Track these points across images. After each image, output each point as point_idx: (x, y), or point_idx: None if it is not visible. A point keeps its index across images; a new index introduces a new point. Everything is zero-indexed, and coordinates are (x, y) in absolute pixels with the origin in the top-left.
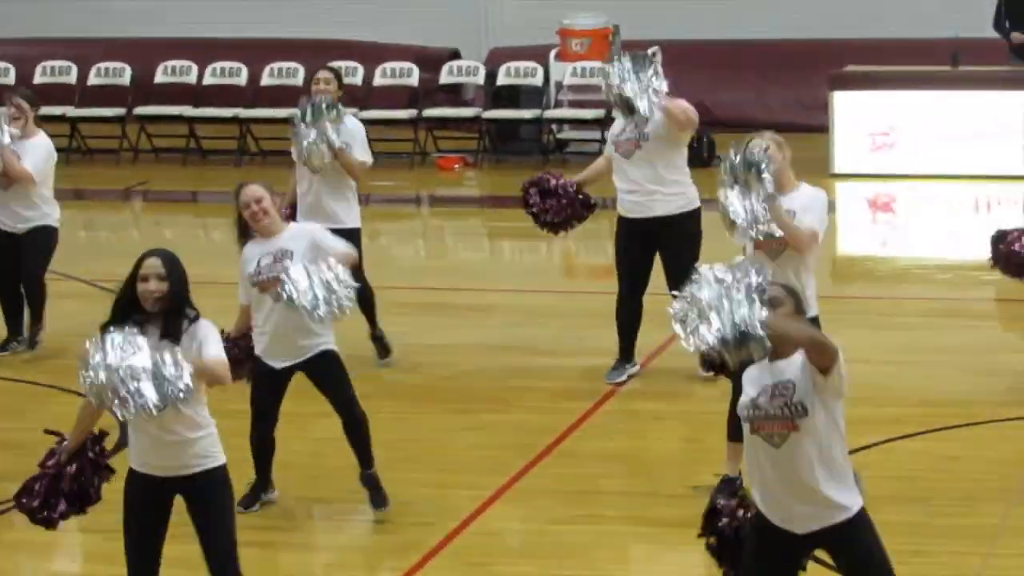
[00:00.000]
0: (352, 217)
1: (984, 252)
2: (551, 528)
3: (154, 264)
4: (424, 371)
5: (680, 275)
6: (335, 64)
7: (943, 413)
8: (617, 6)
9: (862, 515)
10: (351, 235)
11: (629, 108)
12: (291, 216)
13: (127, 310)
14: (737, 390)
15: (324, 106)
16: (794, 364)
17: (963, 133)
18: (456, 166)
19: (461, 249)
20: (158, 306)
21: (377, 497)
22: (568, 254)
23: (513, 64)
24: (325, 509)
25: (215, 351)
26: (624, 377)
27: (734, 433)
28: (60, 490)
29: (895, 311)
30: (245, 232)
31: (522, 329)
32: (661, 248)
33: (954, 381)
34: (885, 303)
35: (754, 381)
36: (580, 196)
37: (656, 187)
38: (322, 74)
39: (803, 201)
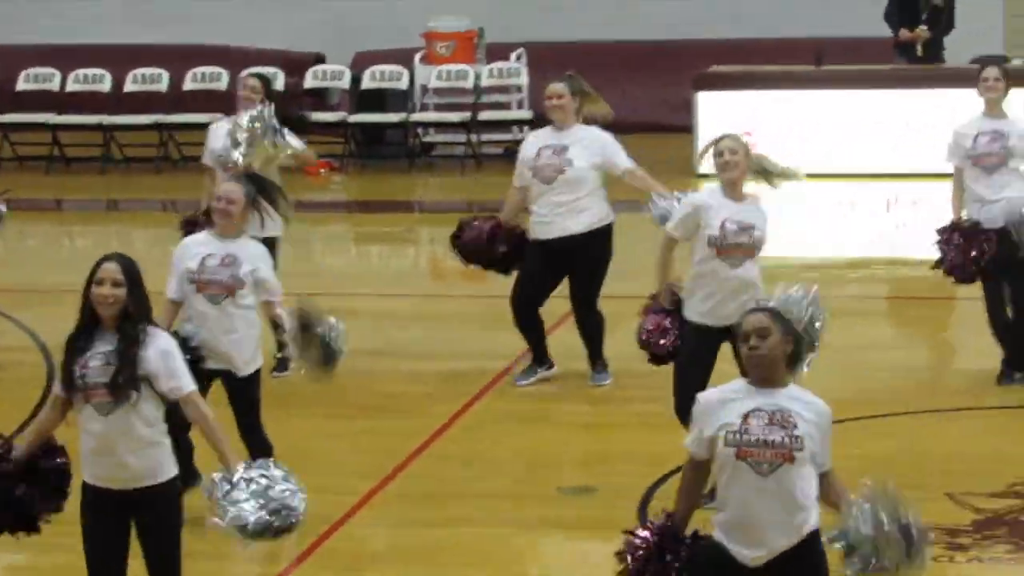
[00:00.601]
0: (274, 225)
1: (847, 249)
2: (420, 532)
3: (110, 269)
4: (293, 376)
5: (592, 290)
6: (258, 72)
7: (838, 409)
8: (481, 9)
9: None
10: (272, 243)
11: None
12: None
13: (91, 316)
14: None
15: (261, 132)
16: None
17: (827, 132)
18: (322, 171)
19: (327, 254)
20: (112, 311)
21: None
22: (434, 258)
23: (378, 68)
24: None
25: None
26: (533, 380)
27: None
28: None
29: None
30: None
31: (390, 333)
32: (574, 265)
33: (822, 379)
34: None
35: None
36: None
37: (573, 206)
38: (249, 81)
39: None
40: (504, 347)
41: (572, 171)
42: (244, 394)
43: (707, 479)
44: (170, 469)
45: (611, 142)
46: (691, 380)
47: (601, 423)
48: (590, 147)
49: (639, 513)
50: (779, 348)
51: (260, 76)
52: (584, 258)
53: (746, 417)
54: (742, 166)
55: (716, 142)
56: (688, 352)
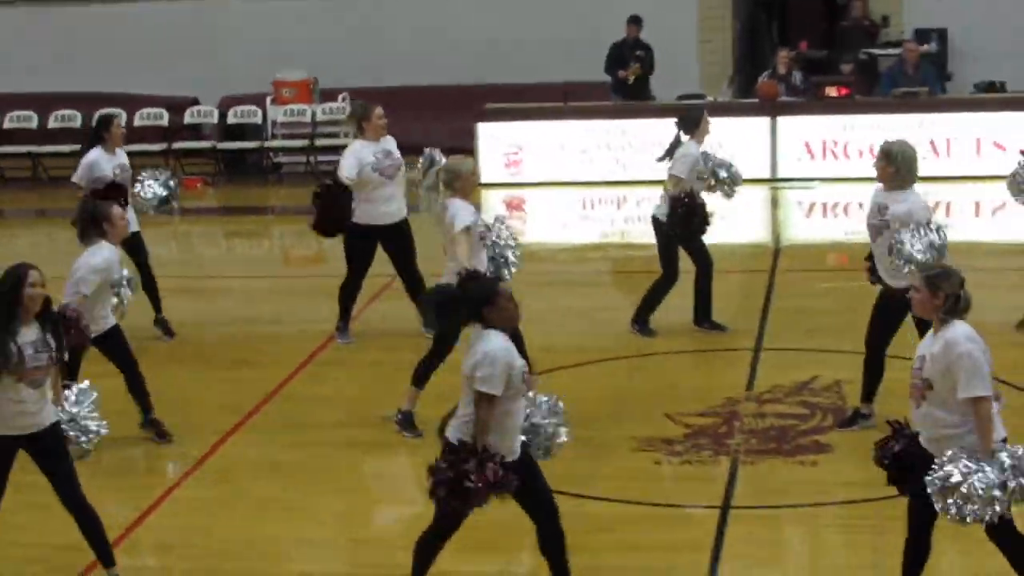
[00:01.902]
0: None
1: (590, 236)
2: (280, 452)
3: (37, 275)
4: (181, 340)
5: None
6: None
7: (560, 357)
8: (317, 62)
9: None
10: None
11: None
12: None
13: (12, 312)
14: (440, 350)
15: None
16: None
17: (571, 151)
18: (198, 185)
19: (204, 246)
20: (39, 307)
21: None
22: (284, 248)
23: (239, 107)
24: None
25: None
26: (351, 339)
27: (419, 381)
28: None
29: (530, 281)
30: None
31: (252, 305)
32: (397, 247)
33: (573, 332)
34: (521, 275)
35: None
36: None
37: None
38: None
39: None
40: (336, 314)
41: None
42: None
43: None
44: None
45: None
46: None
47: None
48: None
49: (439, 436)
50: None
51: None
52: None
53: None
54: None
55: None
56: None
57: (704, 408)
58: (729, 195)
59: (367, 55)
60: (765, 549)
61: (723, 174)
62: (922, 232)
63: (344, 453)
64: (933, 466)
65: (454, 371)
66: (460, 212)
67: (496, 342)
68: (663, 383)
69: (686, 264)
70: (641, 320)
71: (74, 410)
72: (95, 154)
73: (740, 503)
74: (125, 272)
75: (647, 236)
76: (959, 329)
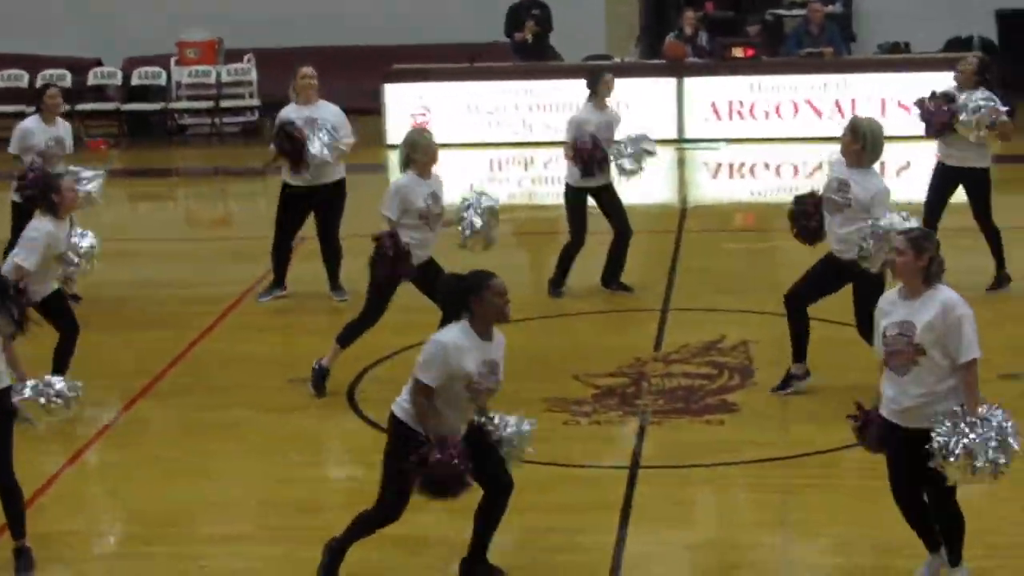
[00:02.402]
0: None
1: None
2: (189, 414)
3: None
4: (88, 303)
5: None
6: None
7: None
8: (221, 22)
9: None
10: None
11: None
12: None
13: None
14: (373, 313)
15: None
16: None
17: (478, 112)
18: (103, 147)
19: (109, 210)
20: None
21: None
22: (189, 210)
23: (143, 68)
24: None
25: None
26: (270, 298)
27: (345, 340)
28: None
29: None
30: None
31: (158, 267)
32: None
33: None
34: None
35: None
36: None
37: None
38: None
39: None
40: (245, 275)
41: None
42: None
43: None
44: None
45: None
46: None
47: (332, 330)
48: (339, 115)
49: (347, 398)
50: None
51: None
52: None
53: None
54: None
55: None
56: None
57: (612, 369)
58: (628, 177)
59: (273, 15)
60: (674, 508)
61: (628, 166)
62: (900, 219)
63: (253, 415)
64: (935, 437)
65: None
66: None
67: (449, 335)
68: (571, 344)
69: (598, 226)
70: (554, 283)
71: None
72: (30, 122)
73: (648, 463)
74: (84, 242)
75: (554, 197)
76: (949, 292)
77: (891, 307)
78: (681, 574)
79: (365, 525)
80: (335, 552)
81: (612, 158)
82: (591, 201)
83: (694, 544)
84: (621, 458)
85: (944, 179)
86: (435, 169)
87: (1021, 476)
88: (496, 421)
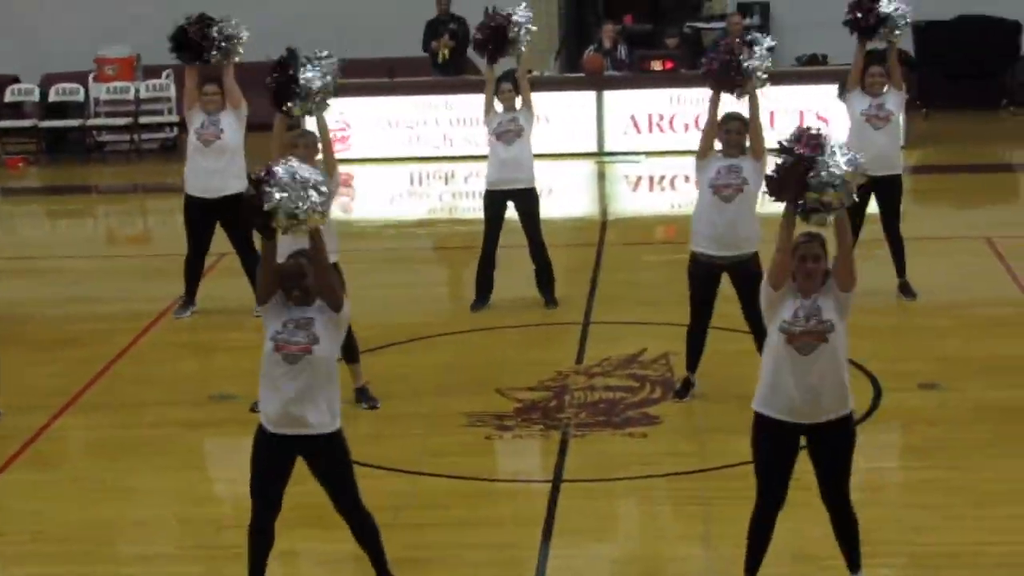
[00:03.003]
0: None
1: (414, 212)
2: (109, 432)
3: None
4: (4, 320)
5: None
6: None
7: (390, 334)
8: (140, 39)
9: None
10: None
11: None
12: None
13: None
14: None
15: None
16: None
17: (398, 127)
18: (20, 164)
19: (27, 228)
20: None
21: None
22: (109, 228)
23: (62, 85)
24: None
25: None
26: (187, 314)
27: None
28: None
29: (359, 259)
30: None
31: (79, 285)
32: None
33: (398, 310)
34: (350, 253)
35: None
36: None
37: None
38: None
39: None
40: (164, 292)
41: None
42: None
43: None
44: None
45: None
46: None
47: (250, 346)
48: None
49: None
50: None
51: None
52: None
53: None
54: None
55: None
56: None
57: (534, 383)
58: None
59: None
60: (597, 521)
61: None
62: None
63: (173, 432)
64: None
65: None
66: None
67: None
68: (493, 358)
69: (515, 240)
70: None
71: None
72: None
73: (571, 476)
74: None
75: (474, 211)
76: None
77: (789, 298)
78: None
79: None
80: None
81: None
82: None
83: (618, 557)
84: (544, 472)
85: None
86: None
87: (946, 485)
88: None
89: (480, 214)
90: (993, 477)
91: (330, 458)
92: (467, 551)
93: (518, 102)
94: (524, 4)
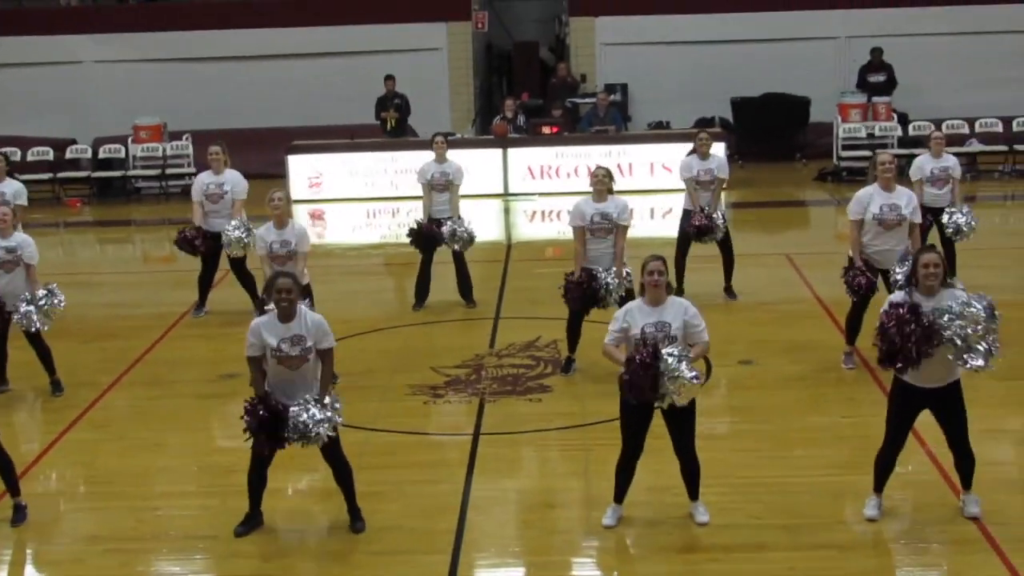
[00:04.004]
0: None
1: (370, 238)
2: (146, 403)
3: None
4: (67, 320)
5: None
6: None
7: (353, 326)
8: (166, 111)
9: None
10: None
11: None
12: None
13: None
14: None
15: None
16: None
17: (358, 175)
18: (78, 205)
19: (83, 251)
20: None
21: None
22: (145, 250)
23: (108, 145)
24: None
25: None
26: (202, 314)
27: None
28: None
29: (330, 271)
30: None
31: (121, 293)
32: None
33: (360, 309)
34: (322, 267)
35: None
36: None
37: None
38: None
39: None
40: (185, 299)
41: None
42: None
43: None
44: None
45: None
46: None
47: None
48: (239, 180)
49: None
50: None
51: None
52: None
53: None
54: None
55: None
56: None
57: (459, 362)
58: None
59: (204, 105)
60: (506, 464)
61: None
62: None
63: (192, 402)
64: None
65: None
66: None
67: (260, 319)
68: (429, 344)
69: (442, 258)
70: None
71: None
72: None
73: (487, 431)
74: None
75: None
76: (676, 297)
77: (638, 314)
78: (511, 510)
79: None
80: None
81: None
82: None
83: (522, 489)
84: (467, 428)
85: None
86: (327, 214)
87: (759, 434)
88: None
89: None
90: (794, 428)
91: None
92: (410, 487)
93: (448, 155)
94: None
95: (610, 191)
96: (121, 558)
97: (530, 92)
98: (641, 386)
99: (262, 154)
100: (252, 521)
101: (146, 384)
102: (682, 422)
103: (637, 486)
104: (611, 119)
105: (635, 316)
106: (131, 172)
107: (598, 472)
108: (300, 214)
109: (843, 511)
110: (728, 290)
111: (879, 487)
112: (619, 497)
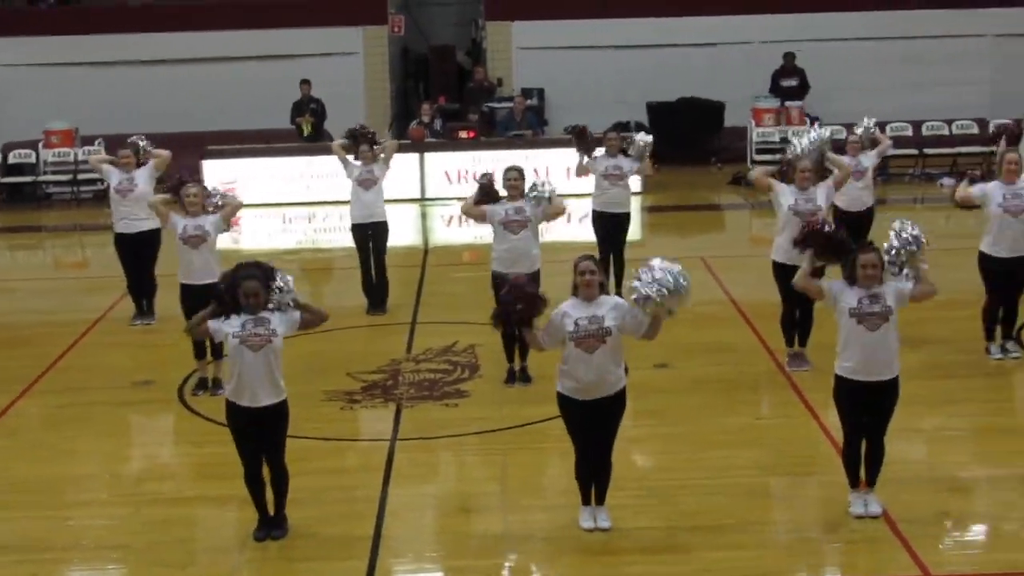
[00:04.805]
0: None
1: (286, 243)
2: (58, 410)
3: None
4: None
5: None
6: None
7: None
8: (79, 115)
9: None
10: None
11: None
12: None
13: None
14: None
15: None
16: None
17: (273, 180)
18: None
19: None
20: None
21: None
22: (56, 256)
23: (18, 151)
24: None
25: None
26: (141, 323)
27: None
28: None
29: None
30: None
31: (33, 300)
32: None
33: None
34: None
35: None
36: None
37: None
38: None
39: None
40: (98, 305)
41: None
42: None
43: None
44: None
45: None
46: None
47: (158, 344)
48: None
49: (177, 394)
50: None
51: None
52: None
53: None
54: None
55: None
56: None
57: (375, 367)
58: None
59: (117, 109)
60: (424, 469)
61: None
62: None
63: (105, 409)
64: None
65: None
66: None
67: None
68: (345, 350)
69: (352, 263)
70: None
71: None
72: None
73: (404, 436)
74: None
75: (328, 242)
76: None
77: (573, 309)
78: (429, 515)
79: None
80: None
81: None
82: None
83: (439, 494)
84: (384, 433)
85: (602, 221)
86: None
87: (674, 437)
88: None
89: (332, 244)
90: (708, 430)
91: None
92: (328, 492)
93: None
94: None
95: (522, 192)
96: (32, 569)
97: (447, 96)
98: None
99: (176, 159)
100: (267, 525)
101: (59, 391)
102: (609, 422)
103: (554, 488)
104: (528, 123)
105: (569, 312)
106: (42, 177)
107: (515, 476)
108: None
109: (758, 512)
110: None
111: (854, 483)
112: (586, 499)
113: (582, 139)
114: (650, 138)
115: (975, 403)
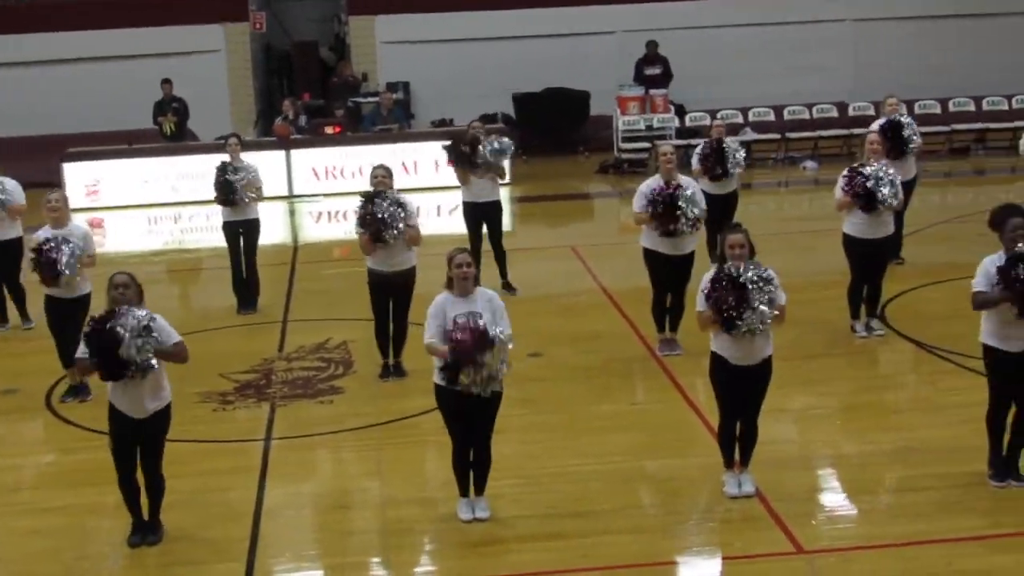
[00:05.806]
0: None
1: (152, 245)
2: None
3: None
4: None
5: None
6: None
7: None
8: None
9: None
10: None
11: None
12: None
13: None
14: None
15: None
16: None
17: (137, 181)
18: None
19: None
20: None
21: None
22: None
23: None
24: None
25: None
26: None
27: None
28: None
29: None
30: None
31: None
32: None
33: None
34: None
35: None
36: None
37: None
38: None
39: None
40: None
41: None
42: None
43: None
44: None
45: None
46: None
47: (24, 353)
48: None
49: (45, 401)
50: None
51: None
52: None
53: None
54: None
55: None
56: None
57: (248, 367)
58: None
59: None
60: (300, 467)
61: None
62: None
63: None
64: None
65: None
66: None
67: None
68: (216, 350)
69: (220, 263)
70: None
71: None
72: None
73: (279, 435)
74: None
75: (195, 243)
76: (482, 288)
77: (450, 305)
78: (306, 513)
79: None
80: None
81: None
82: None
83: (316, 492)
84: (258, 433)
85: (473, 212)
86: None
87: (549, 425)
88: None
89: (199, 244)
90: (583, 417)
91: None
92: (204, 495)
93: (243, 157)
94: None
95: (390, 188)
96: None
97: (311, 92)
98: (471, 352)
99: (36, 162)
100: (141, 529)
101: None
102: (487, 411)
103: (433, 482)
104: (394, 118)
105: (447, 309)
106: None
107: (392, 471)
108: (79, 222)
109: (633, 496)
110: (506, 286)
111: (728, 463)
112: (464, 491)
113: (461, 154)
114: (501, 144)
115: (842, 381)
